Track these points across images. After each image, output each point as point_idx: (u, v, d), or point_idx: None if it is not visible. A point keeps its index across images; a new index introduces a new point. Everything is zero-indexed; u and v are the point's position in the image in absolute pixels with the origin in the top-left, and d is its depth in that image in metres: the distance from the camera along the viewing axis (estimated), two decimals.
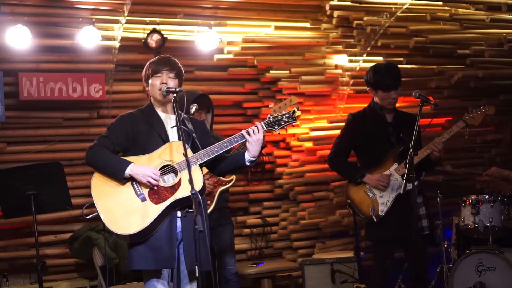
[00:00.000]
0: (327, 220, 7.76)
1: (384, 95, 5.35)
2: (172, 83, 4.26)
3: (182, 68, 4.38)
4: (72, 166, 6.80)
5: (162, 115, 4.33)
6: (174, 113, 4.20)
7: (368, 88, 5.49)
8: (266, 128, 4.24)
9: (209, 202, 5.50)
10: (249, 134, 4.18)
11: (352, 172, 5.44)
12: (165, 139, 4.25)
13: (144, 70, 4.37)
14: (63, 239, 6.80)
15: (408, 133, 5.33)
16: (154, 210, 4.07)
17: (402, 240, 5.24)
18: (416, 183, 5.03)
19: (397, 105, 7.72)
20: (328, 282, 6.75)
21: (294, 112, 4.26)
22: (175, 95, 4.14)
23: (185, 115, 4.33)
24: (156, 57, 4.39)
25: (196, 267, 3.78)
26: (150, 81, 4.30)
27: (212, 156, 4.18)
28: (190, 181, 3.81)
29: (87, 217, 4.33)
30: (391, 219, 5.19)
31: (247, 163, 4.25)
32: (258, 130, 4.19)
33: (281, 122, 4.26)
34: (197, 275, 3.80)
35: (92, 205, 4.16)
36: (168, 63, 4.31)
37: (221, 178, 5.57)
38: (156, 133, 4.25)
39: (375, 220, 5.19)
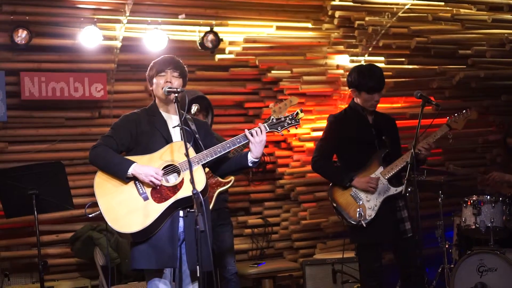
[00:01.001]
0: (328, 220, 7.75)
1: (367, 97, 5.28)
2: (176, 82, 4.27)
3: (186, 68, 4.39)
4: (73, 165, 6.80)
5: (165, 115, 4.33)
6: (177, 114, 4.21)
7: (350, 90, 5.41)
8: (269, 129, 4.25)
9: None
10: (252, 135, 4.19)
11: (340, 176, 5.31)
12: (167, 140, 4.25)
13: (148, 70, 4.38)
14: (64, 238, 6.80)
15: (389, 135, 5.32)
16: (156, 209, 4.08)
17: (388, 242, 5.24)
18: (403, 186, 5.05)
19: (399, 105, 7.80)
20: (329, 283, 6.75)
21: (297, 114, 4.26)
22: (176, 95, 4.14)
23: (188, 116, 4.34)
24: (160, 57, 4.40)
25: (198, 267, 3.79)
26: (154, 80, 4.31)
27: (215, 157, 4.18)
28: (192, 181, 3.82)
29: (90, 215, 4.34)
30: (376, 222, 5.16)
31: (250, 164, 4.25)
32: (261, 131, 4.20)
33: (284, 124, 4.27)
34: (198, 275, 3.80)
35: (94, 204, 4.17)
36: (172, 62, 4.32)
37: (220, 179, 5.57)
38: (159, 134, 4.26)
39: (364, 224, 5.12)
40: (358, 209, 5.15)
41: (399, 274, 5.48)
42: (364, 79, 5.27)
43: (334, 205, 5.30)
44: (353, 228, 5.25)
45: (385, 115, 5.56)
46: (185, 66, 4.38)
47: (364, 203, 5.18)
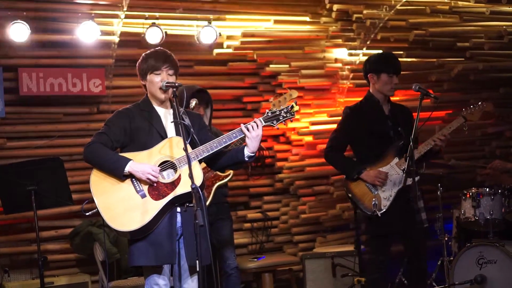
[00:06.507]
0: (328, 214, 7.76)
1: (387, 80, 5.35)
2: (171, 80, 4.27)
3: (178, 63, 4.38)
4: (72, 161, 6.79)
5: (159, 110, 4.32)
6: (170, 108, 4.21)
7: (369, 75, 5.45)
8: (265, 123, 4.24)
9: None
10: (248, 130, 4.18)
11: (349, 168, 5.40)
12: (163, 135, 4.24)
13: (140, 63, 4.34)
14: (64, 234, 6.81)
15: (405, 125, 5.34)
16: (154, 206, 4.07)
17: (402, 233, 5.25)
18: (418, 177, 5.09)
19: (398, 98, 7.80)
20: (329, 276, 6.77)
21: (292, 107, 4.26)
22: (174, 89, 4.14)
23: (182, 110, 4.32)
24: (153, 52, 4.36)
25: (197, 261, 3.79)
26: (148, 77, 4.30)
27: (211, 152, 4.18)
28: (191, 176, 3.82)
29: (87, 213, 4.34)
30: (391, 213, 5.19)
31: (246, 159, 4.25)
32: (257, 126, 4.19)
33: (279, 117, 4.26)
34: (198, 269, 3.80)
35: (91, 201, 4.16)
36: (167, 60, 4.29)
37: (218, 173, 5.57)
38: (154, 129, 4.24)
39: (379, 214, 5.18)
40: (373, 199, 5.20)
41: (402, 265, 5.53)
42: (383, 61, 5.39)
43: (350, 195, 5.38)
44: (367, 218, 5.31)
45: (402, 106, 5.59)
46: (177, 60, 4.36)
47: (380, 193, 5.25)
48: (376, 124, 5.37)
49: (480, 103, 5.43)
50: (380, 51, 7.22)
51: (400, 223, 5.15)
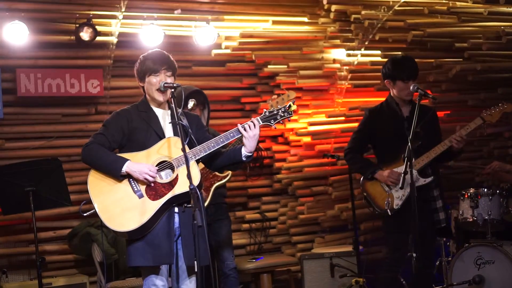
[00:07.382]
0: (326, 215, 7.76)
1: (403, 86, 5.36)
2: (169, 81, 4.27)
3: (176, 64, 4.38)
4: (70, 162, 6.79)
5: (157, 110, 4.33)
6: (168, 109, 4.21)
7: (386, 81, 5.49)
8: (262, 123, 4.24)
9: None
10: (245, 130, 4.18)
11: (364, 168, 5.50)
12: (161, 135, 4.25)
13: (138, 64, 4.35)
14: (62, 235, 6.81)
15: (425, 126, 5.35)
16: (152, 206, 4.08)
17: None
18: (432, 178, 5.22)
19: None
20: (327, 277, 6.77)
21: (290, 106, 4.27)
22: (173, 90, 4.14)
23: (179, 110, 4.32)
24: (151, 53, 4.37)
25: (196, 262, 3.79)
26: (146, 79, 4.30)
27: (208, 152, 4.18)
28: (189, 177, 3.81)
29: (85, 214, 4.34)
30: (407, 212, 5.21)
31: (244, 158, 4.25)
32: (254, 125, 4.19)
33: (277, 117, 4.27)
34: (196, 270, 3.80)
35: (89, 202, 4.17)
36: (165, 61, 4.30)
37: (217, 173, 5.57)
38: (152, 130, 4.25)
39: (390, 213, 5.25)
40: (386, 199, 5.29)
41: (411, 264, 5.55)
42: (399, 67, 5.39)
43: (365, 194, 5.48)
44: (384, 217, 5.39)
45: (425, 107, 5.58)
46: (175, 61, 4.37)
47: (393, 193, 5.32)
48: (392, 125, 5.43)
49: (500, 104, 5.45)
50: (378, 55, 7.25)
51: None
